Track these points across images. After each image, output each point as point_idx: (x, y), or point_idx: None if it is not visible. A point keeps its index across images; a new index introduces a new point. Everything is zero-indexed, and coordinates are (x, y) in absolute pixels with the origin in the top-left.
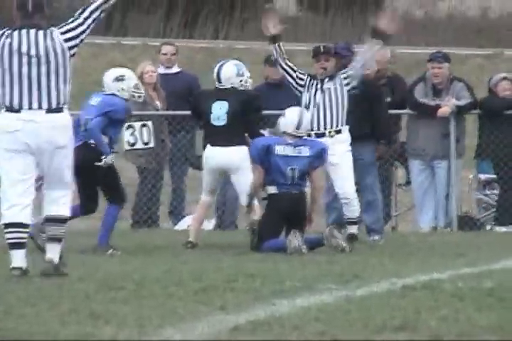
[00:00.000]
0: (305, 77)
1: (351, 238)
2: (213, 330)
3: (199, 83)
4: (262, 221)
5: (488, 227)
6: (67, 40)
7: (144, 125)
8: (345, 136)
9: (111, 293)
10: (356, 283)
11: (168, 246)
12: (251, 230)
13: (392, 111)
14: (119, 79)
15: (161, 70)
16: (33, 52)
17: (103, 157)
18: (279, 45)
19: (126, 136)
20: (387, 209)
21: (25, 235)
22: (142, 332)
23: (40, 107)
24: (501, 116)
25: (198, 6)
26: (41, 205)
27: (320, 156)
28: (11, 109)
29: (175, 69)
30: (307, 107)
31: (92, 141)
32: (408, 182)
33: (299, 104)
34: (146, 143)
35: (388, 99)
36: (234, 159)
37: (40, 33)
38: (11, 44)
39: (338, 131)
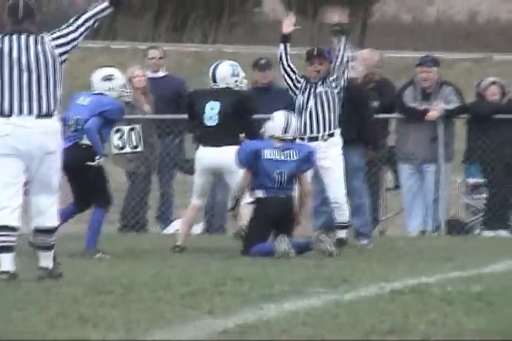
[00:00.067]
0: (302, 80)
1: (340, 242)
2: (201, 334)
3: (186, 87)
4: (249, 225)
5: (476, 232)
6: (57, 46)
7: (132, 129)
8: (338, 139)
9: (99, 297)
10: (345, 287)
11: (157, 250)
12: (238, 237)
13: (380, 116)
14: (108, 78)
15: (148, 74)
16: (23, 57)
17: (97, 157)
18: (286, 46)
19: (115, 139)
20: (376, 213)
21: (13, 238)
22: (130, 336)
23: (30, 113)
24: (489, 121)
25: (187, 10)
26: (28, 209)
27: (307, 160)
28: (1, 114)
29: (161, 73)
30: (301, 111)
31: (83, 142)
32: (397, 187)
33: (286, 108)
34: (134, 147)
35: (376, 104)
36: (226, 159)
37: (31, 38)
38: (1, 50)
39: (331, 135)
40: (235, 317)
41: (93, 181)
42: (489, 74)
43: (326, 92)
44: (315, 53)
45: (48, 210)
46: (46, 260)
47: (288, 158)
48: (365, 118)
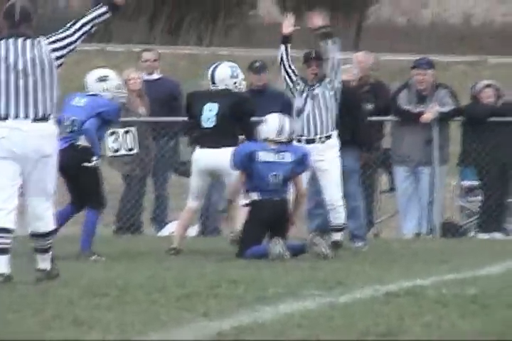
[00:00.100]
0: (301, 83)
1: (336, 245)
2: (196, 336)
3: (180, 89)
4: (244, 228)
5: (471, 234)
6: (54, 50)
7: (127, 131)
8: (335, 141)
9: (94, 299)
10: (339, 289)
11: (152, 252)
12: (235, 243)
13: (375, 118)
14: (102, 79)
15: (143, 77)
16: (20, 61)
17: (94, 158)
18: (287, 47)
19: (110, 142)
20: (371, 216)
21: (8, 241)
22: (125, 338)
23: (26, 116)
24: (484, 124)
25: (182, 13)
26: (24, 211)
27: (302, 162)
28: None
29: (156, 75)
30: (298, 113)
31: (79, 143)
32: (391, 189)
33: (281, 110)
34: (129, 150)
35: (370, 106)
36: (223, 161)
37: (28, 42)
38: None
39: (328, 137)
40: (230, 319)
41: (87, 183)
42: (484, 77)
43: (324, 95)
44: (313, 56)
45: (44, 215)
46: (44, 262)
47: (283, 160)
48: (359, 120)
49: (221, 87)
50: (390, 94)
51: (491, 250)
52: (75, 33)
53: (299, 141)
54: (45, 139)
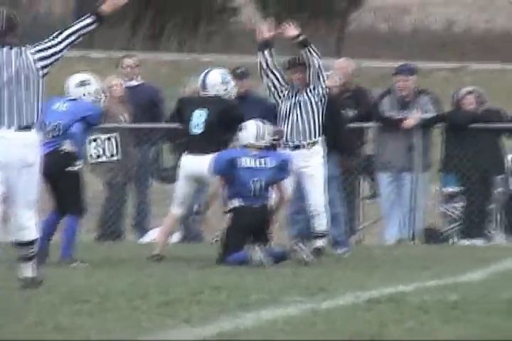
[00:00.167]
0: (289, 88)
1: (318, 251)
2: None
3: (161, 95)
4: (225, 234)
5: (452, 240)
6: (39, 60)
7: (109, 138)
8: (320, 147)
9: (76, 306)
10: (322, 295)
11: (133, 259)
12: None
13: (356, 125)
14: (83, 84)
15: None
16: (4, 71)
17: (78, 162)
18: (271, 51)
19: (91, 148)
20: (352, 222)
21: None
22: None
23: (10, 125)
24: (466, 130)
25: (164, 19)
26: (7, 219)
27: (283, 168)
28: None
29: (135, 82)
30: (284, 119)
31: (64, 147)
32: (373, 195)
33: (263, 116)
34: (112, 156)
35: (352, 113)
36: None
37: (13, 51)
38: None
39: (314, 143)
40: (212, 326)
41: (69, 188)
42: (466, 84)
43: (310, 101)
44: (297, 62)
45: (27, 224)
46: (27, 270)
47: (264, 166)
48: (339, 127)
49: (212, 93)
50: (372, 101)
51: (473, 256)
52: (60, 43)
53: (285, 146)
54: (28, 148)
